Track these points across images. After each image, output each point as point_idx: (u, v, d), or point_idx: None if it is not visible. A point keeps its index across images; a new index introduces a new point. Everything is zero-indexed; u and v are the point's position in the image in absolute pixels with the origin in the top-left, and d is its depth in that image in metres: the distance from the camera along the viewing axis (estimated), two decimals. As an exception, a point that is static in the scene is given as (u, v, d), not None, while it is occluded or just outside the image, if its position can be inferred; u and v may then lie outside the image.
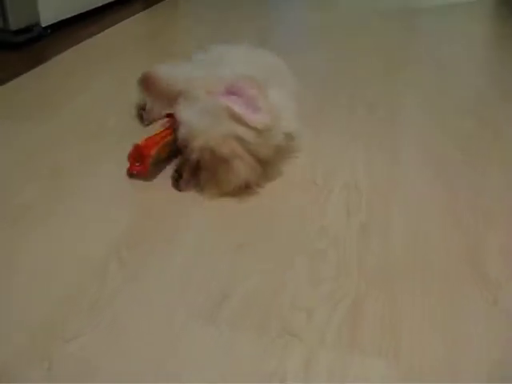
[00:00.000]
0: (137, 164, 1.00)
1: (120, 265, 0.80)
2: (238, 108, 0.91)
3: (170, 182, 0.99)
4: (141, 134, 1.04)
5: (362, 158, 1.12)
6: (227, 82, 0.95)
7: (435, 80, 1.58)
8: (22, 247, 0.83)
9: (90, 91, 1.42)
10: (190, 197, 0.97)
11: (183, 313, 0.71)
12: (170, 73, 1.07)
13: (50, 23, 1.87)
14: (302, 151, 1.12)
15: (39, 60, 1.67)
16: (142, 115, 1.20)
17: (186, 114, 0.96)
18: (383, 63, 1.72)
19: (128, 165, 1.00)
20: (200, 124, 0.93)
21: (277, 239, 0.86)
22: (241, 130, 0.91)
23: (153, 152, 0.99)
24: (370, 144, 1.17)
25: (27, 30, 1.76)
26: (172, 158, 1.05)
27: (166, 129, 1.05)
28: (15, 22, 1.70)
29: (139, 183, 1.00)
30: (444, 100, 1.42)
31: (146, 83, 1.07)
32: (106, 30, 1.99)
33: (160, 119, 1.14)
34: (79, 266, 0.80)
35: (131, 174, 1.00)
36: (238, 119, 0.91)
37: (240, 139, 0.92)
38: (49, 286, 0.76)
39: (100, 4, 2.20)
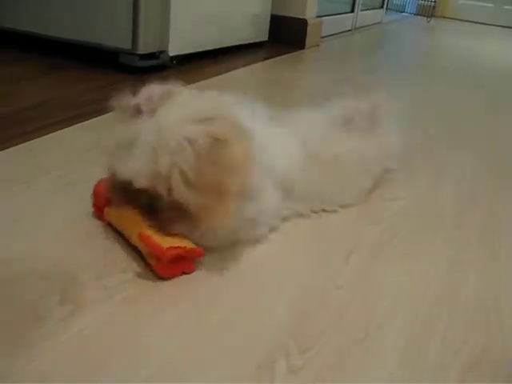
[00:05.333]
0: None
1: (288, 369, 0.53)
2: None
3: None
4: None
5: None
6: None
7: None
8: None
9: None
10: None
11: None
12: None
13: (176, 54, 1.71)
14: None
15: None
16: None
17: None
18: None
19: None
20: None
21: None
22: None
23: None
24: None
25: (153, 56, 1.61)
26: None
27: None
28: (144, 46, 1.55)
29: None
30: None
31: None
32: (228, 72, 1.82)
33: None
34: (235, 355, 0.54)
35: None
36: None
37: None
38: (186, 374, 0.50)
39: (227, 45, 2.05)
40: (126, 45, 1.54)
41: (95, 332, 0.55)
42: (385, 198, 0.96)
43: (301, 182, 0.78)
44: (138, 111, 0.67)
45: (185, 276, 0.66)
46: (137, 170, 0.62)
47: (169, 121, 0.64)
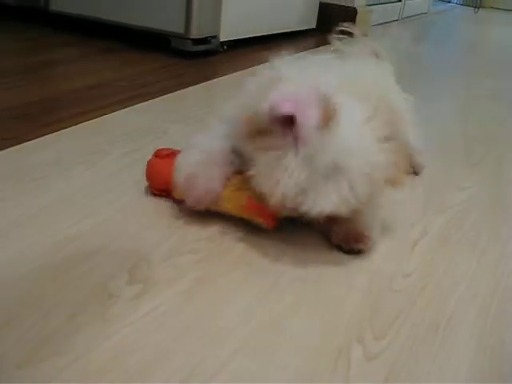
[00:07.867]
0: None
1: (364, 358, 0.52)
2: None
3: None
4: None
5: None
6: None
7: None
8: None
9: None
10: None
11: None
12: None
13: (227, 39, 1.71)
14: None
15: (210, 75, 1.49)
16: None
17: None
18: None
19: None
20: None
21: None
22: None
23: None
24: None
25: (205, 41, 1.60)
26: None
27: None
28: (196, 31, 1.55)
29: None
30: None
31: None
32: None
33: None
34: (310, 343, 0.53)
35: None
36: None
37: None
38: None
39: (276, 31, 2.03)
40: (179, 29, 1.54)
41: (167, 312, 0.55)
42: (448, 186, 0.93)
43: None
44: None
45: (257, 259, 0.65)
46: None
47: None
